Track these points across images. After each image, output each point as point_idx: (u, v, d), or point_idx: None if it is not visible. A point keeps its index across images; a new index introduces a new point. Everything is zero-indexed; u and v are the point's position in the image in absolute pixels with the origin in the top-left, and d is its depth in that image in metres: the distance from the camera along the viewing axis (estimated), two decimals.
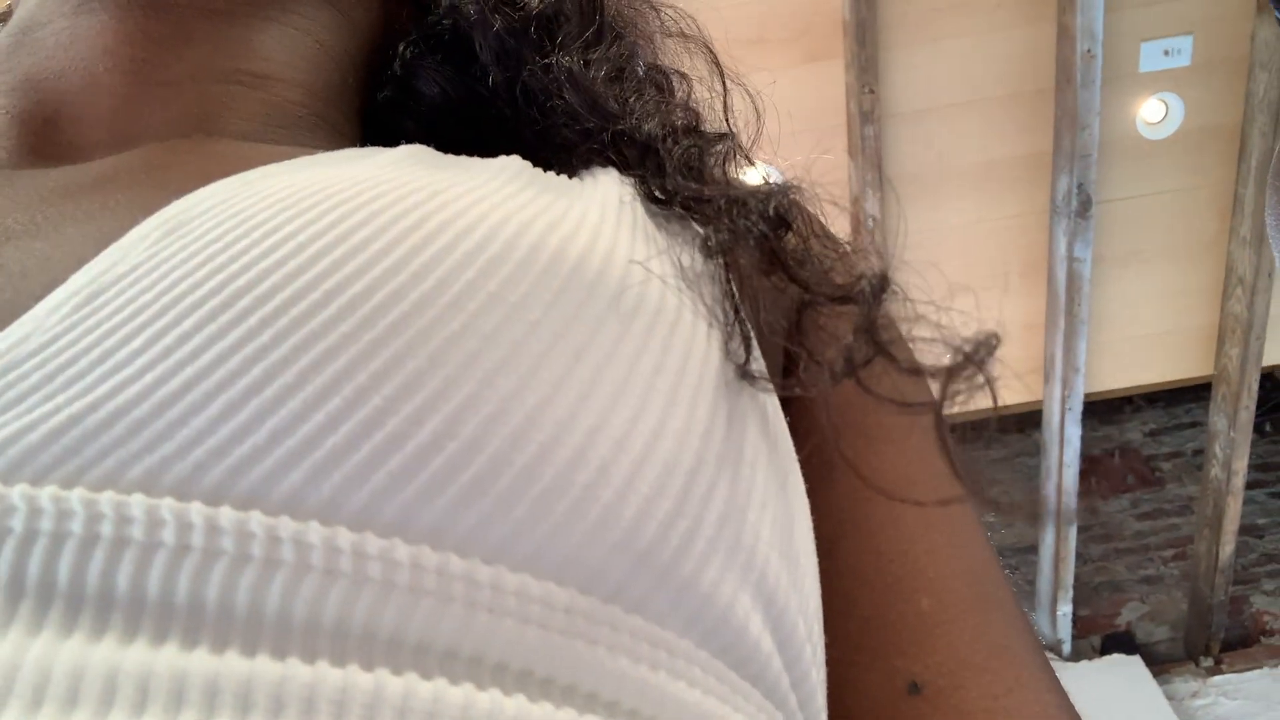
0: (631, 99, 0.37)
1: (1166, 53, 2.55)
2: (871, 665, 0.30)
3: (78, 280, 0.23)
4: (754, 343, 0.28)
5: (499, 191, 0.26)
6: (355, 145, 0.39)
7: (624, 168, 0.34)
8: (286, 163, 0.28)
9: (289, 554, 0.19)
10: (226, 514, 0.19)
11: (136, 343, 0.21)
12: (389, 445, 0.20)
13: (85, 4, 0.35)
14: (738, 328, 0.28)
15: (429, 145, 0.31)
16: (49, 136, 0.34)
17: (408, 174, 0.26)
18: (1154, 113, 2.61)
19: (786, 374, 0.34)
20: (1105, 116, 2.54)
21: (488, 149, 0.32)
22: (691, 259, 0.29)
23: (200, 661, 0.18)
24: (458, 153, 0.30)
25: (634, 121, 0.36)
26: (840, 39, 2.50)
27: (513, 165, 0.29)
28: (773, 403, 0.30)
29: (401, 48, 0.41)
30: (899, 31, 2.53)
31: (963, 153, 2.60)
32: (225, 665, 0.18)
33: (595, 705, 0.21)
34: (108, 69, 0.34)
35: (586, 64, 0.37)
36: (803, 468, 0.33)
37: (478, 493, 0.20)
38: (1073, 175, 2.55)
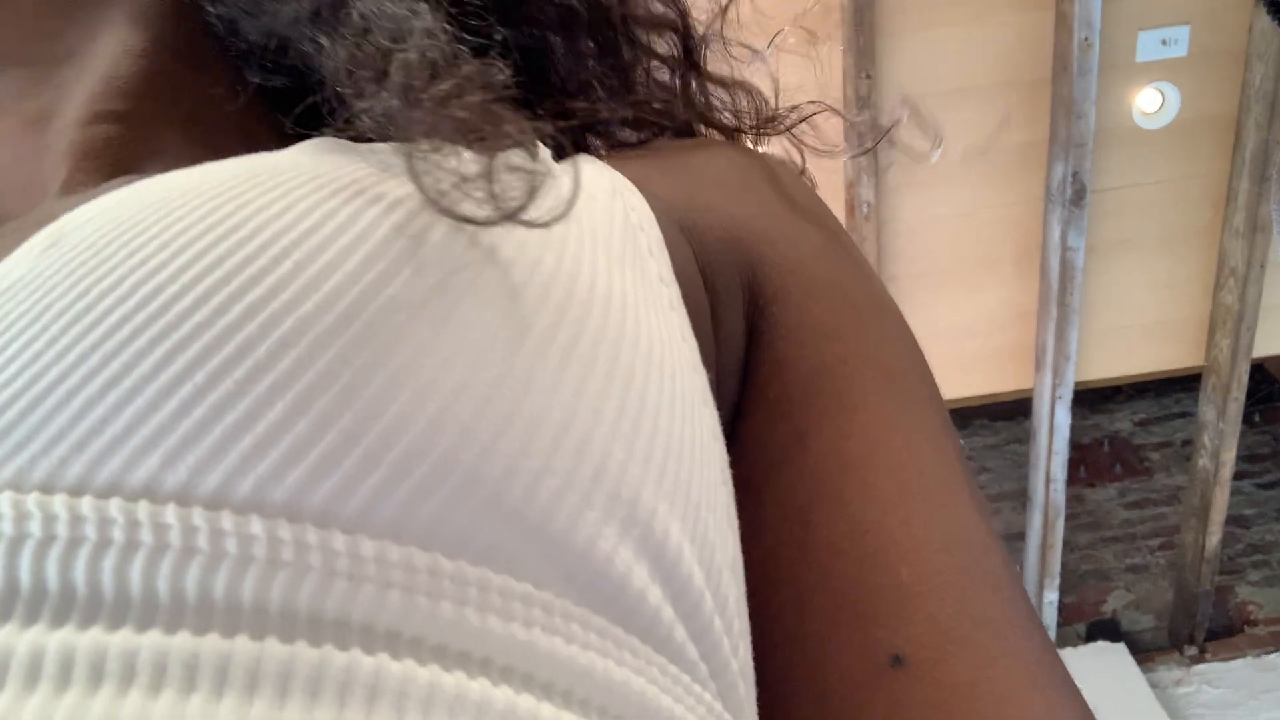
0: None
1: (1164, 42, 2.55)
2: (850, 639, 0.30)
3: None
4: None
5: (372, 172, 0.26)
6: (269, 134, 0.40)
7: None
8: (183, 170, 0.28)
9: (148, 536, 0.20)
10: (88, 503, 0.20)
11: (10, 350, 0.22)
12: (239, 426, 0.21)
13: None
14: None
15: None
16: None
17: (288, 160, 0.27)
18: (1150, 102, 2.61)
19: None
20: (1101, 105, 2.54)
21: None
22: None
23: (61, 637, 0.19)
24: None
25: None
26: (838, 24, 2.50)
27: (388, 145, 0.29)
28: (669, 338, 0.29)
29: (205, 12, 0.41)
30: (897, 17, 2.52)
31: (957, 140, 2.60)
32: (86, 639, 0.19)
33: (467, 663, 0.21)
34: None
35: None
36: (774, 437, 0.33)
37: (330, 465, 0.21)
38: (1068, 164, 2.56)
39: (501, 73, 0.29)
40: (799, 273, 0.36)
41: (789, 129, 0.44)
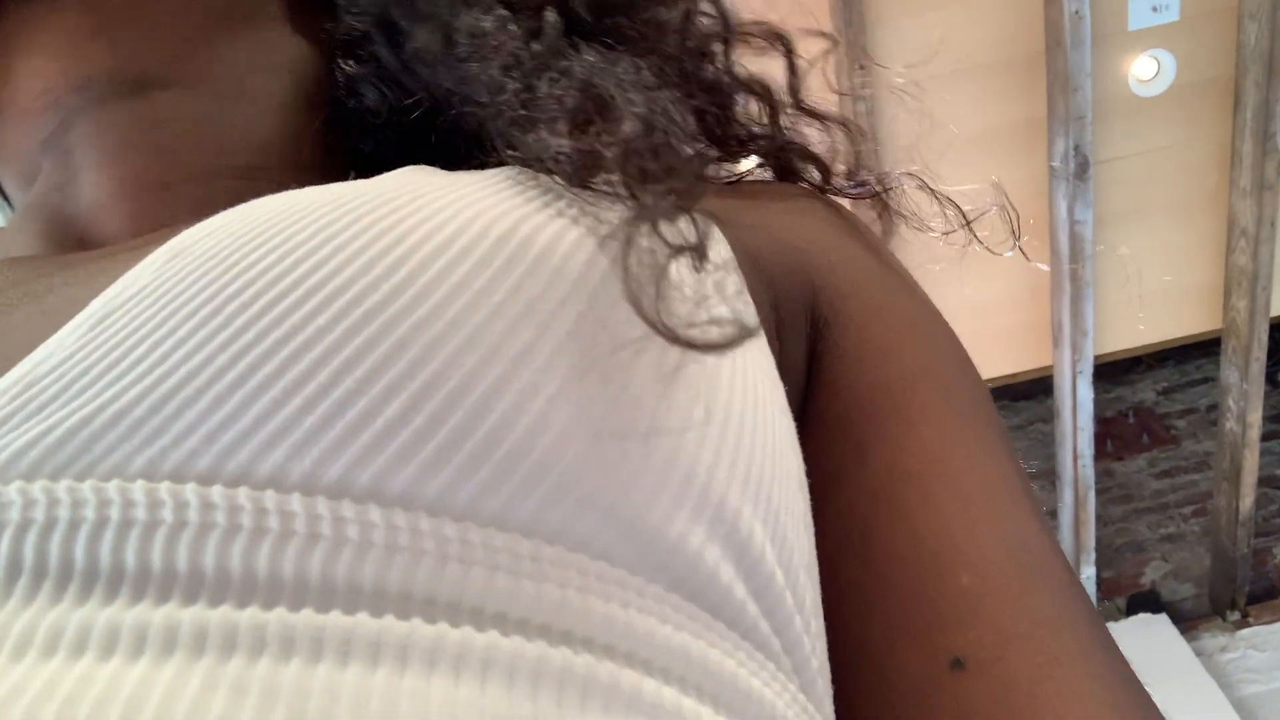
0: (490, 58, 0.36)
1: (1155, 9, 2.54)
2: (912, 645, 0.30)
3: (94, 305, 0.26)
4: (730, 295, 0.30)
5: (479, 190, 0.28)
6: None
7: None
8: (291, 191, 0.30)
9: (274, 522, 0.21)
10: (218, 491, 0.22)
11: (138, 351, 0.23)
12: (360, 422, 0.22)
13: (69, 175, 0.40)
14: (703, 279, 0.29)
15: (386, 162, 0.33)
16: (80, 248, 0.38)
17: (394, 182, 0.28)
18: (1146, 70, 2.60)
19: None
20: (1097, 77, 2.53)
21: (445, 156, 0.35)
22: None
23: (194, 614, 0.21)
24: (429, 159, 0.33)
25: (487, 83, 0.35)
26: (828, 15, 2.50)
27: (505, 171, 0.31)
28: (757, 363, 0.31)
29: (337, 67, 0.43)
30: (886, 5, 2.52)
31: (957, 122, 2.60)
32: (217, 616, 0.21)
33: (571, 640, 0.23)
34: (110, 194, 0.39)
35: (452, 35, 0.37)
36: (834, 453, 0.34)
37: (442, 460, 0.23)
38: (1069, 138, 2.55)
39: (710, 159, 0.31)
40: (857, 296, 0.37)
41: (879, 194, 0.45)
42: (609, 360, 0.25)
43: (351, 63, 0.41)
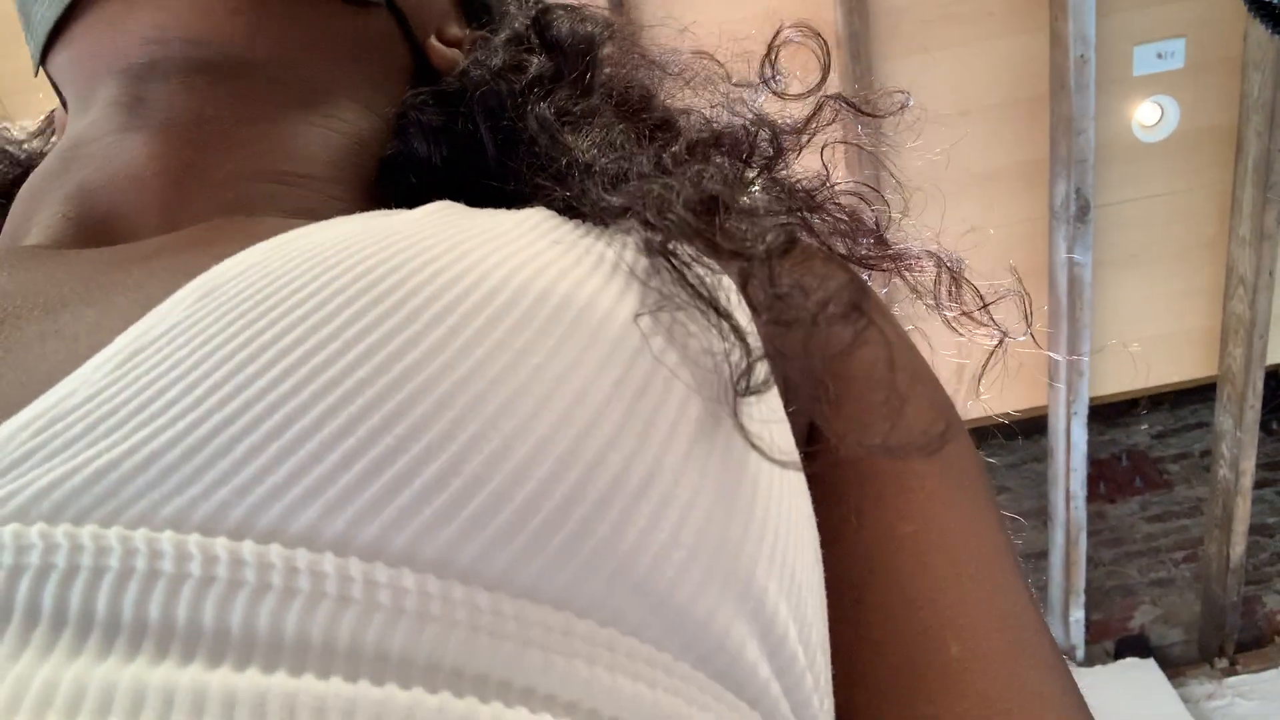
0: (596, 141, 0.38)
1: (1160, 55, 2.56)
2: (901, 713, 0.30)
3: (121, 340, 0.25)
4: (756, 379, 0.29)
5: (516, 241, 0.28)
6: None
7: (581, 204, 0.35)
8: (322, 223, 0.30)
9: (305, 583, 0.21)
10: (249, 547, 0.21)
11: (171, 394, 0.23)
12: (397, 482, 0.22)
13: (131, 120, 0.38)
14: (741, 358, 0.29)
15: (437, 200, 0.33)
16: (103, 232, 0.37)
17: (431, 227, 0.28)
18: (1149, 115, 2.62)
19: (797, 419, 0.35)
20: (1101, 121, 2.55)
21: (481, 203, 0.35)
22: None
23: (222, 678, 0.20)
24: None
25: (585, 152, 0.37)
26: (834, 50, 2.51)
27: (535, 215, 0.31)
28: (780, 433, 0.30)
29: (407, 99, 0.43)
30: (892, 44, 2.54)
31: (960, 162, 2.61)
32: (245, 681, 0.20)
33: (597, 718, 0.22)
34: (155, 172, 0.37)
35: (559, 115, 0.39)
36: (829, 517, 0.34)
37: (479, 526, 0.22)
38: (1070, 180, 2.56)
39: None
40: (861, 357, 0.37)
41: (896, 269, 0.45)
42: (645, 431, 0.25)
43: (416, 103, 0.42)
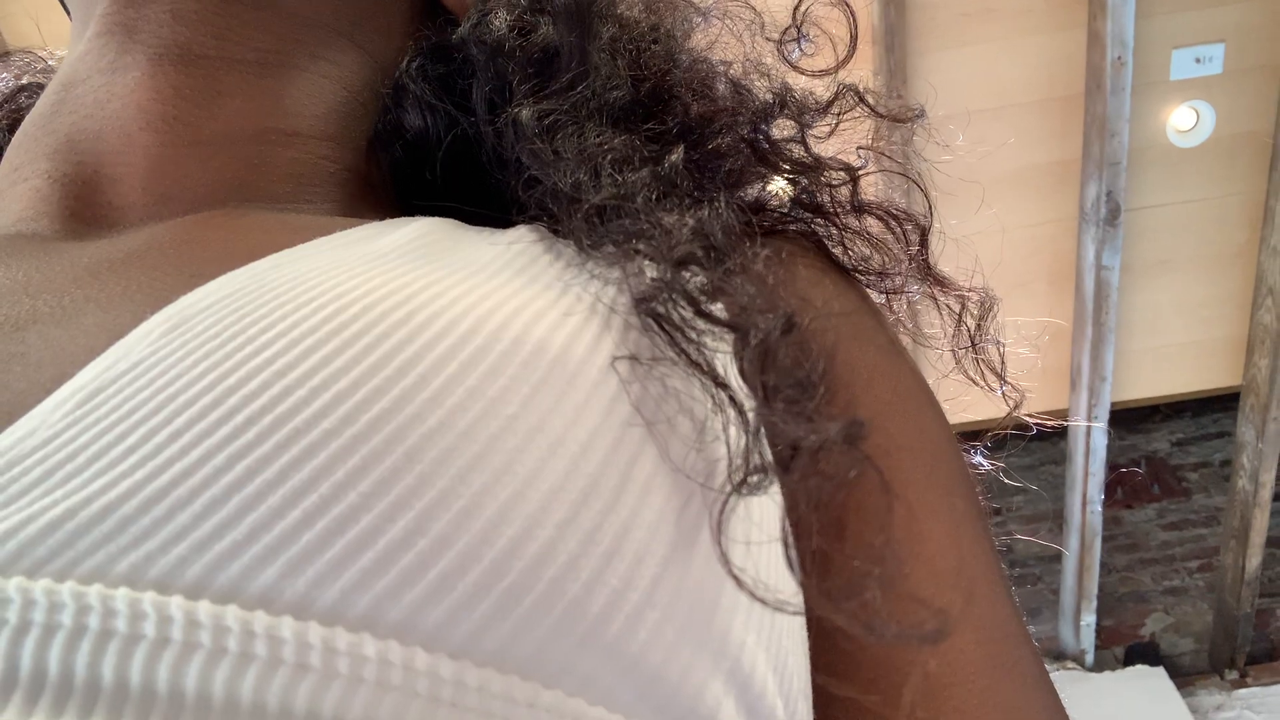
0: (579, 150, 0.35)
1: (1198, 60, 2.54)
2: None
3: (83, 377, 0.24)
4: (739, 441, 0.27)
5: (496, 276, 0.27)
6: (379, 188, 0.41)
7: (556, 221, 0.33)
8: (300, 248, 0.29)
9: (262, 649, 0.20)
10: (205, 608, 0.20)
11: (130, 440, 0.22)
12: (361, 542, 0.21)
13: (120, 59, 0.37)
14: (728, 426, 0.27)
15: (416, 176, 0.32)
16: (88, 198, 0.36)
17: (411, 259, 0.27)
18: (1185, 120, 2.59)
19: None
20: (1135, 124, 2.52)
21: (462, 187, 0.34)
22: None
23: None
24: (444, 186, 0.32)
25: (572, 178, 0.34)
26: (869, 45, 2.50)
27: (520, 241, 0.30)
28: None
29: (404, 63, 0.41)
30: (928, 37, 2.52)
31: (991, 159, 2.59)
32: None
33: None
34: (142, 128, 0.36)
35: (546, 122, 0.36)
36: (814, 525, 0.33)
37: (445, 589, 0.21)
38: (1102, 182, 2.54)
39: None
40: (848, 363, 0.36)
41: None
42: (620, 484, 0.24)
43: (413, 67, 0.41)
